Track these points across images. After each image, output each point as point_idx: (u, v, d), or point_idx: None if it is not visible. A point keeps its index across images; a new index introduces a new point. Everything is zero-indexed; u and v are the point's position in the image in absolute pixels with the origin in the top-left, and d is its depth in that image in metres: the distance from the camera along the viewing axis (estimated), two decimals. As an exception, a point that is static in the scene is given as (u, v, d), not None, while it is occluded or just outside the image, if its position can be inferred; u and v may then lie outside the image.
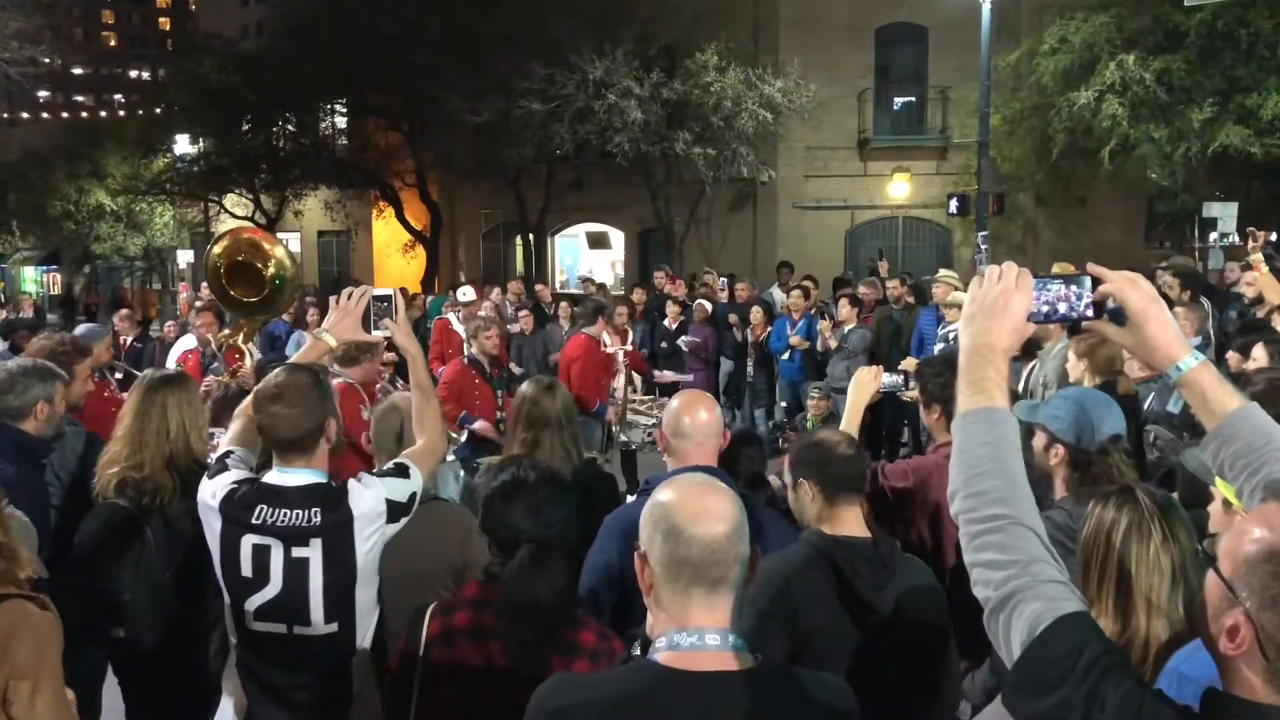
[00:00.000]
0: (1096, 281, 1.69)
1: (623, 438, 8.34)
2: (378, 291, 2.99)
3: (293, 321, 10.51)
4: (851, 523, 2.56)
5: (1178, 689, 1.65)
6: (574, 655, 2.21)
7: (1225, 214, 14.71)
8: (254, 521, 2.55)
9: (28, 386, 3.68)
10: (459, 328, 9.56)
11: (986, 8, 16.12)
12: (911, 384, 3.84)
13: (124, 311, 10.83)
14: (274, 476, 2.62)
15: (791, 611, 2.39)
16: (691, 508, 1.65)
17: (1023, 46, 17.25)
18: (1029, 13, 18.24)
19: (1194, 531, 2.09)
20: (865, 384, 3.72)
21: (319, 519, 2.53)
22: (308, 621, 2.57)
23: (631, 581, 1.75)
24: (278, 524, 2.53)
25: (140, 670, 3.45)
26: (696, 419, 2.94)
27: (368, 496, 2.58)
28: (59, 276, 42.06)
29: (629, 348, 8.84)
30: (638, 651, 1.72)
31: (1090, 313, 1.69)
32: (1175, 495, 2.47)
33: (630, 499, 2.95)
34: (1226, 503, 2.24)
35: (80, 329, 7.29)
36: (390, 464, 2.76)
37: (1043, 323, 1.72)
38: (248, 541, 2.56)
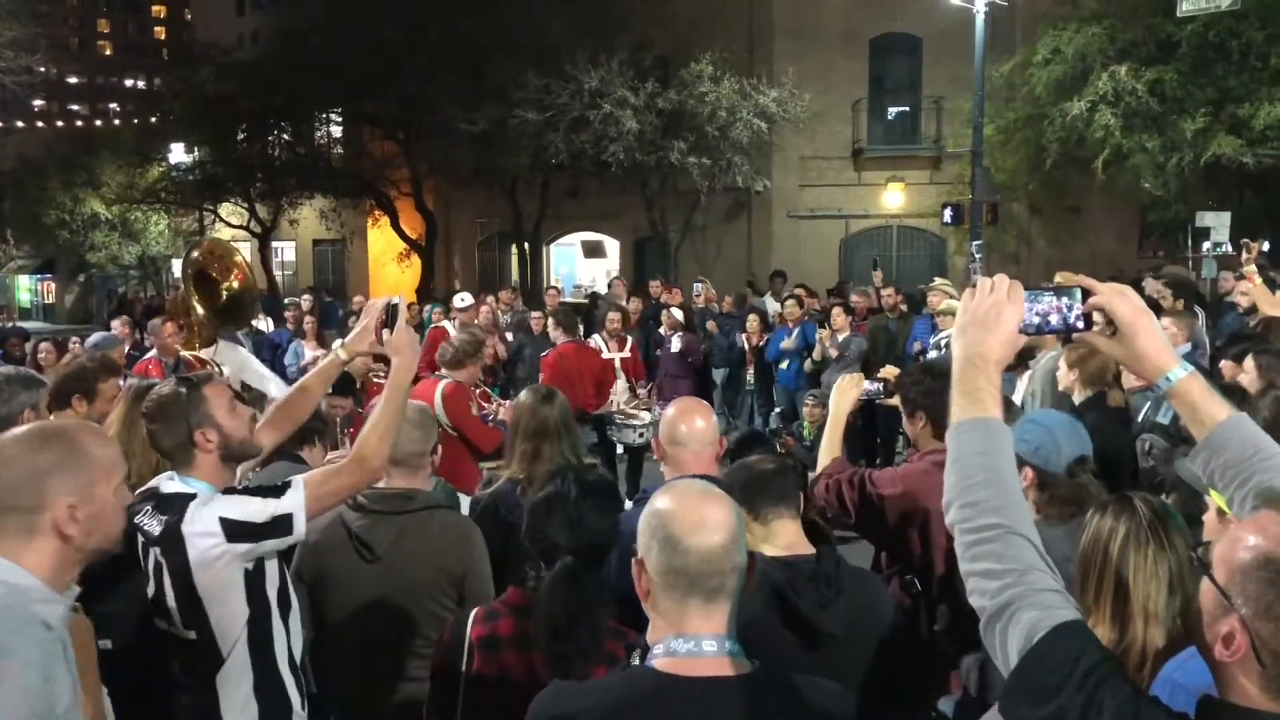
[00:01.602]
0: (1087, 293, 1.70)
1: (614, 439, 8.45)
2: (391, 301, 2.97)
3: (294, 330, 10.55)
4: (791, 539, 2.52)
5: (1171, 696, 1.66)
6: None
7: (1218, 223, 14.74)
8: (134, 520, 2.62)
9: (13, 395, 3.68)
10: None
11: (980, 19, 16.20)
12: (890, 392, 3.82)
13: (123, 317, 10.78)
14: (165, 483, 2.69)
15: None
16: (689, 517, 1.65)
17: (1016, 57, 17.35)
18: (1022, 24, 18.32)
19: (1191, 539, 2.10)
20: (846, 391, 3.72)
21: (159, 529, 2.58)
22: (173, 624, 2.64)
23: (629, 590, 1.75)
24: (143, 526, 2.62)
25: (127, 678, 3.44)
26: (693, 426, 2.94)
27: (200, 515, 2.54)
28: (54, 285, 42.00)
29: (626, 354, 8.92)
30: (637, 661, 1.72)
31: (1081, 324, 1.70)
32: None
33: (629, 505, 2.93)
34: (1221, 512, 2.25)
35: (94, 337, 7.30)
36: (279, 480, 2.69)
37: (1034, 334, 1.73)
38: (139, 538, 2.66)
